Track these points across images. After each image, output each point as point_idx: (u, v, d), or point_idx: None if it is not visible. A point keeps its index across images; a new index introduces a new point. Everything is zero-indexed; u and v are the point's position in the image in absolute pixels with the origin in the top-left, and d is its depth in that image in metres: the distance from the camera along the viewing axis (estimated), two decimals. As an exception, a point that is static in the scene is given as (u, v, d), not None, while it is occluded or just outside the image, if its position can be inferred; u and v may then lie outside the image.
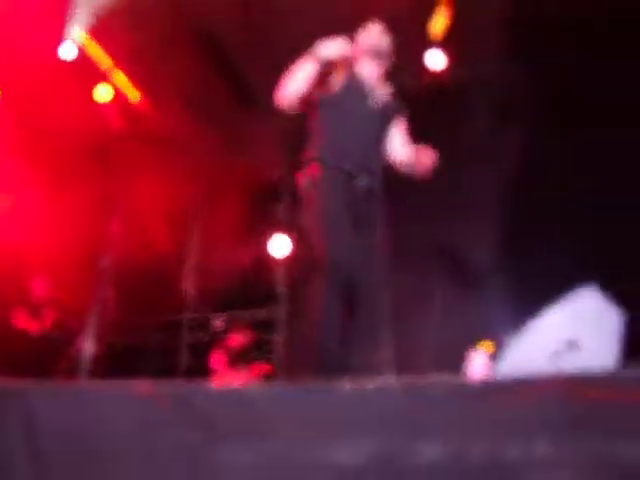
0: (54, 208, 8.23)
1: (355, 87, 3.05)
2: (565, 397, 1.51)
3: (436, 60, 8.10)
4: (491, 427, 1.52)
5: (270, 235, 9.22)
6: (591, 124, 6.66)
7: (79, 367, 4.67)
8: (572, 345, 2.66)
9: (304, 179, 2.89)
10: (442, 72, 8.51)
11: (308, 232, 2.79)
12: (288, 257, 9.13)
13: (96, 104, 8.80)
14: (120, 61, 8.60)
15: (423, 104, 8.18)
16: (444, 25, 7.80)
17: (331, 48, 2.92)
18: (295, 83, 2.95)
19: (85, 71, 8.33)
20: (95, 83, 8.73)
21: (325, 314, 2.60)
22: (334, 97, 3.00)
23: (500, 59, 8.43)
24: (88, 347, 4.76)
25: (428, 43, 7.92)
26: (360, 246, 2.81)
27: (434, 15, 7.63)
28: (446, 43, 8.05)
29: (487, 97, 8.94)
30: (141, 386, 1.82)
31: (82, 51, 8.08)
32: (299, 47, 2.95)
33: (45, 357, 6.64)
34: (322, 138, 2.94)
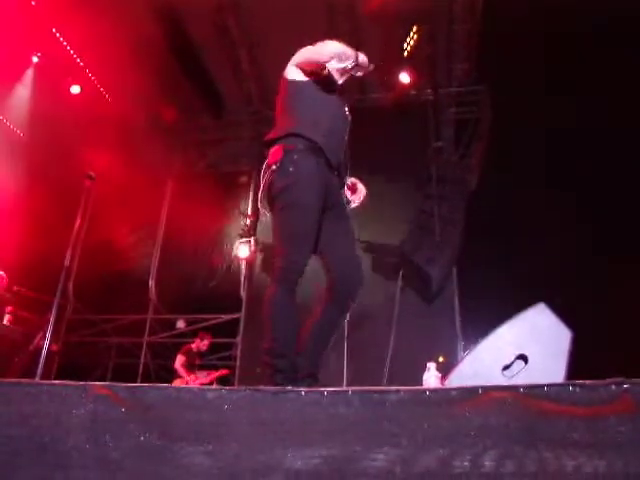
0: (15, 203, 8.08)
1: (331, 84, 3.05)
2: (516, 409, 1.55)
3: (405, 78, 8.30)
4: (442, 436, 1.55)
5: (235, 239, 9.23)
6: (552, 145, 6.85)
7: (37, 364, 4.57)
8: (522, 360, 2.75)
9: (282, 158, 2.72)
10: (409, 90, 8.71)
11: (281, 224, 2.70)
12: (251, 261, 9.15)
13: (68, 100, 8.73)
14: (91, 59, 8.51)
15: (388, 121, 8.37)
16: (414, 45, 8.02)
17: (365, 64, 2.98)
18: (338, 61, 2.90)
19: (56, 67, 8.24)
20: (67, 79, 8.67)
21: (285, 318, 2.59)
22: (320, 84, 2.98)
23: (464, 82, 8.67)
24: (47, 344, 4.66)
25: (399, 61, 8.07)
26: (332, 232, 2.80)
27: (406, 34, 7.76)
28: (414, 62, 8.22)
29: (450, 117, 9.18)
30: (98, 386, 1.81)
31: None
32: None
33: (3, 353, 6.50)
34: (305, 119, 2.85)
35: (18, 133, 8.95)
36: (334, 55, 2.91)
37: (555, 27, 6.51)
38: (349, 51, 2.94)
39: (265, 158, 2.87)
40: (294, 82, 2.98)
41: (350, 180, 3.13)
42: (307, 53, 3.01)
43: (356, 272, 2.84)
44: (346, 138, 3.03)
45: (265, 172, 2.81)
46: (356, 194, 3.11)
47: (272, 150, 2.83)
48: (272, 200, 2.76)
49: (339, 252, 2.79)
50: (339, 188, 2.94)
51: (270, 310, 2.61)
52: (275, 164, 2.75)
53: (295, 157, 2.73)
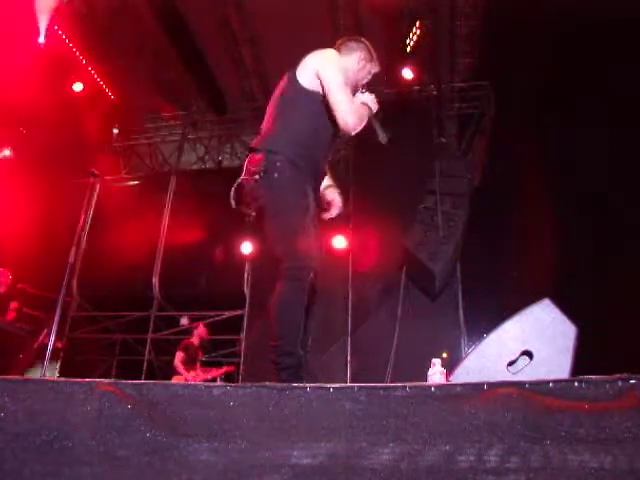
0: (20, 200, 8.09)
1: None
2: (521, 405, 1.55)
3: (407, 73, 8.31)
4: (448, 432, 1.56)
5: (239, 236, 9.23)
6: (555, 140, 6.85)
7: (41, 360, 4.60)
8: (527, 355, 2.76)
9: (265, 166, 2.76)
10: (412, 85, 8.72)
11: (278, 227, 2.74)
12: (255, 258, 9.15)
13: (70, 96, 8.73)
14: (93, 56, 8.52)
15: (392, 115, 8.38)
16: (417, 41, 8.02)
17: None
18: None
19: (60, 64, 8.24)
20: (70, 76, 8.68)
21: (295, 316, 2.61)
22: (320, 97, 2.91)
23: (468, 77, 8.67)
24: (51, 340, 4.69)
25: (401, 56, 8.08)
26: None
27: (408, 30, 7.77)
28: (417, 58, 8.23)
29: (453, 112, 9.20)
30: (104, 382, 1.82)
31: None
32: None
33: (7, 350, 6.52)
34: (295, 135, 2.85)
35: (21, 129, 8.96)
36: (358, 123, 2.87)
37: (558, 21, 6.50)
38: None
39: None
40: (304, 90, 2.90)
41: (330, 190, 3.17)
42: (340, 98, 2.85)
43: (319, 257, 2.87)
44: (330, 155, 3.06)
45: (246, 176, 2.84)
46: (333, 207, 3.15)
47: (255, 157, 2.85)
48: (260, 208, 2.80)
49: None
50: (315, 192, 2.96)
51: (278, 308, 2.63)
52: (258, 173, 2.78)
53: (278, 164, 2.77)
